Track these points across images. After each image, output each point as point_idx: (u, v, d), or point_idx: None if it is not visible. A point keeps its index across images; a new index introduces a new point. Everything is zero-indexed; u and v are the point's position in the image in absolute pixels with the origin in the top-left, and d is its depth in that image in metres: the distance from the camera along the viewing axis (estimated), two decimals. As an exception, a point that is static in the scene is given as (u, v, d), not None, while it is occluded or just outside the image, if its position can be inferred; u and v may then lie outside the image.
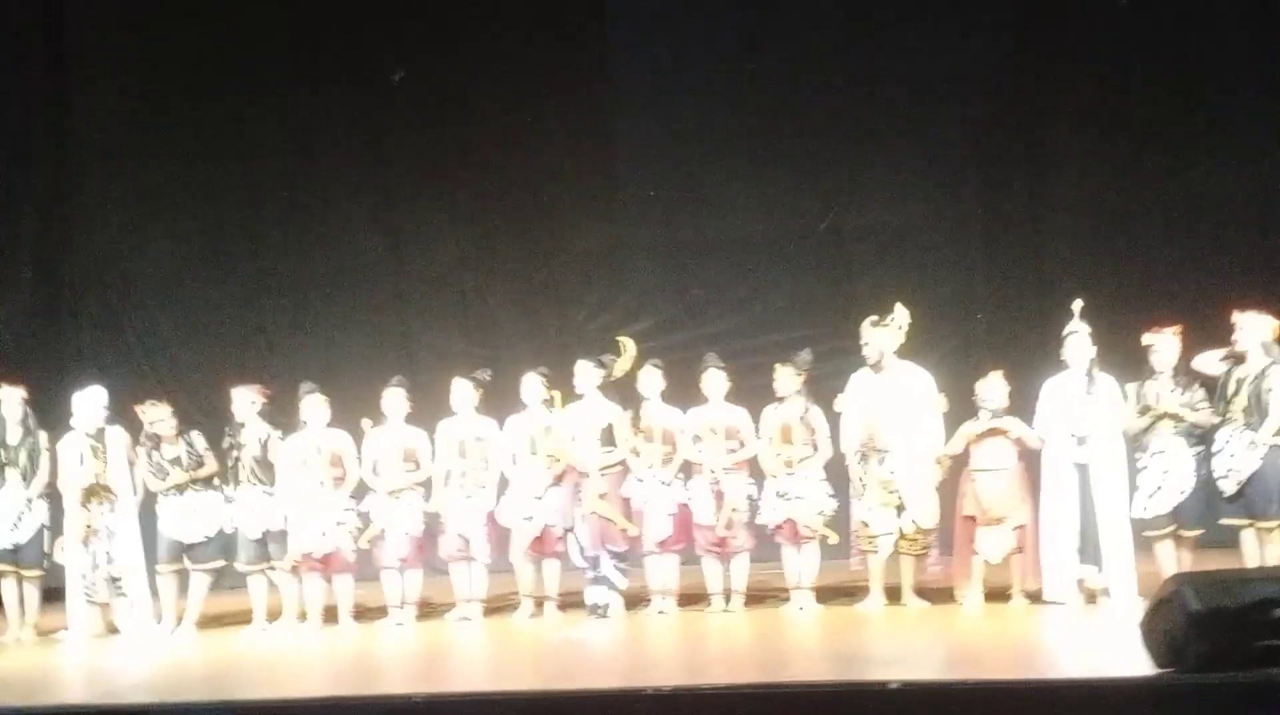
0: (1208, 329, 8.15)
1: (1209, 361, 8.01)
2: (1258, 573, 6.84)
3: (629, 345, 8.96)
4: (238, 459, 8.98)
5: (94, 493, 8.87)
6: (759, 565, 8.82)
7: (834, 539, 8.43)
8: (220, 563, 9.07)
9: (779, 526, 8.49)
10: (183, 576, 9.08)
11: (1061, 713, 5.62)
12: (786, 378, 8.50)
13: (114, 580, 8.93)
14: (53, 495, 9.11)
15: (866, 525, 8.27)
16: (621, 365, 8.87)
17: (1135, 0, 10.33)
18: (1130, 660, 5.98)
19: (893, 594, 8.38)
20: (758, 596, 8.77)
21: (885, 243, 10.85)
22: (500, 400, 8.98)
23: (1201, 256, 9.93)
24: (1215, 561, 7.60)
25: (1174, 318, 8.20)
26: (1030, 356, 8.62)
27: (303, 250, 11.72)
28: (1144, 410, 8.05)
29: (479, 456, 8.81)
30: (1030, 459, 8.20)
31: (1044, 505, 8.09)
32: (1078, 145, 10.76)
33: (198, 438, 9.12)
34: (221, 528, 9.01)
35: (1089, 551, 7.95)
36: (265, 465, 8.94)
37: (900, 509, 8.22)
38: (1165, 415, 7.97)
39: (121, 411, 9.16)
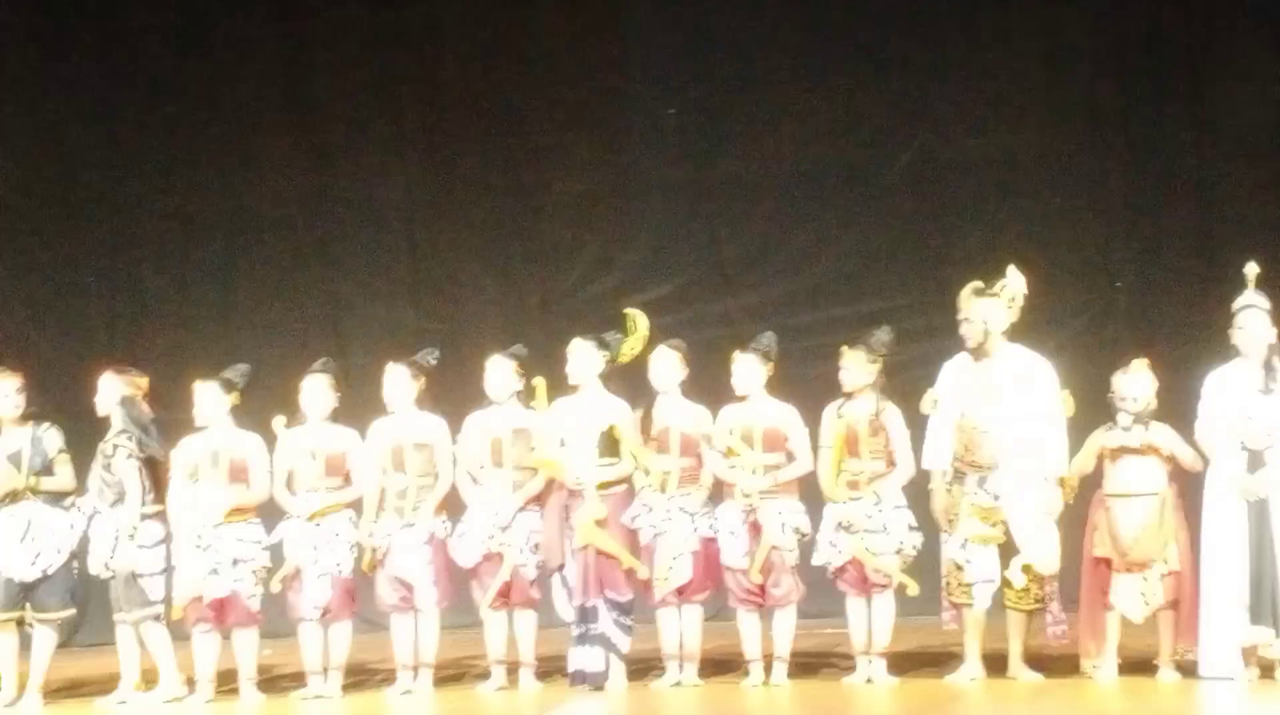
0: None
1: None
2: None
3: (639, 320, 8.90)
4: (106, 468, 8.96)
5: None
6: (812, 621, 8.84)
7: (914, 590, 8.38)
8: (71, 611, 9.06)
9: (841, 570, 8.45)
10: (22, 629, 9.06)
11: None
12: (856, 365, 8.46)
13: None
14: None
15: (960, 569, 8.24)
16: (630, 346, 8.82)
17: None
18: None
19: (996, 663, 8.36)
20: (810, 665, 8.76)
21: (992, 182, 10.84)
22: (458, 392, 8.95)
23: None
24: None
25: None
26: (1189, 341, 8.57)
27: (198, 185, 11.71)
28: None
29: (422, 469, 8.82)
30: (1188, 482, 8.17)
31: (1205, 545, 8.05)
32: (1261, 58, 10.71)
33: (51, 435, 9.11)
34: (72, 561, 8.99)
35: (1264, 610, 7.92)
36: (110, 479, 8.89)
37: (1007, 547, 8.19)
38: None
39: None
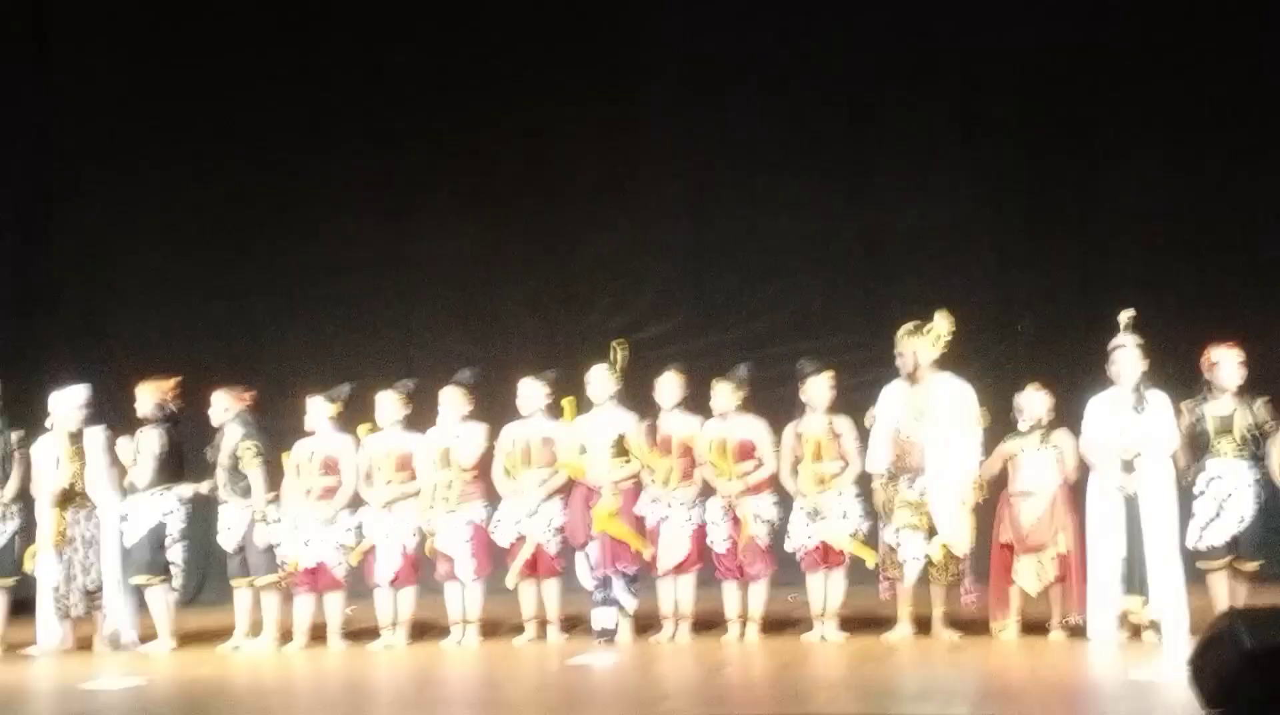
0: (1273, 345, 8.10)
1: None
2: (1319, 610, 6.77)
3: (621, 348, 8.86)
4: (234, 467, 8.96)
5: (70, 498, 8.88)
6: (781, 589, 8.80)
7: (871, 560, 8.36)
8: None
9: (806, 551, 8.43)
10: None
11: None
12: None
13: (90, 593, 8.93)
14: (25, 500, 9.11)
15: (894, 550, 8.23)
16: (618, 364, 8.80)
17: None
18: (1177, 702, 5.95)
19: (922, 624, 8.34)
20: (777, 624, 8.73)
21: (922, 246, 10.79)
22: (500, 407, 8.95)
23: (1273, 265, 9.85)
24: (1274, 596, 7.51)
25: (1236, 333, 8.14)
26: (1075, 371, 8.58)
27: (298, 245, 11.71)
28: (1200, 432, 7.99)
29: (470, 467, 8.81)
30: (1074, 482, 8.18)
31: (1089, 533, 8.04)
32: (1134, 141, 10.68)
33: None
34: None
35: (1136, 583, 7.89)
36: (237, 475, 8.91)
37: (931, 533, 8.17)
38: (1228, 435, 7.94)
39: (102, 411, 9.16)
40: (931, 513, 8.14)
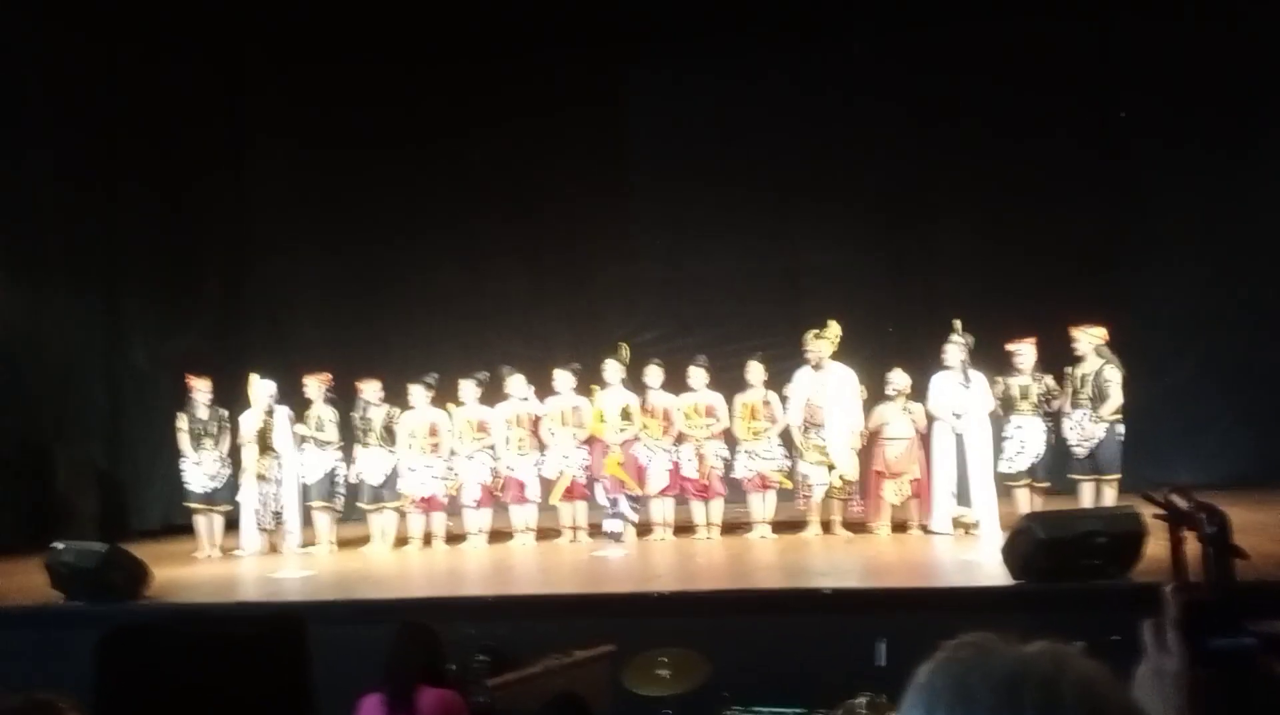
0: (1054, 339, 8.13)
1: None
2: (1087, 512, 6.85)
3: (624, 349, 8.89)
4: (370, 426, 8.96)
5: (264, 451, 8.90)
6: (731, 506, 8.82)
7: (788, 485, 8.40)
8: (328, 502, 9.05)
9: (749, 479, 8.46)
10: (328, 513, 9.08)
11: (945, 611, 5.64)
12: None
13: (277, 514, 8.96)
14: (234, 455, 9.14)
15: (807, 478, 8.26)
16: (623, 358, 8.84)
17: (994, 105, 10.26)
18: (995, 574, 5.99)
19: (826, 526, 8.37)
20: (730, 527, 8.74)
21: (824, 277, 10.73)
22: (544, 387, 8.96)
23: (1048, 286, 9.87)
24: (1057, 505, 7.59)
25: (1030, 331, 8.17)
26: (924, 359, 8.56)
27: (411, 279, 11.68)
28: (1008, 397, 8.04)
29: (527, 427, 8.81)
30: (923, 431, 8.19)
31: (933, 463, 8.08)
32: (958, 204, 10.67)
33: (326, 410, 9.10)
34: (328, 476, 8.98)
35: (965, 497, 7.95)
36: (387, 433, 8.93)
37: (831, 467, 8.20)
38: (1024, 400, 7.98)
39: (284, 396, 9.19)
40: (831, 453, 8.19)
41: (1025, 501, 7.88)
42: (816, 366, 8.32)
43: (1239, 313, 9.85)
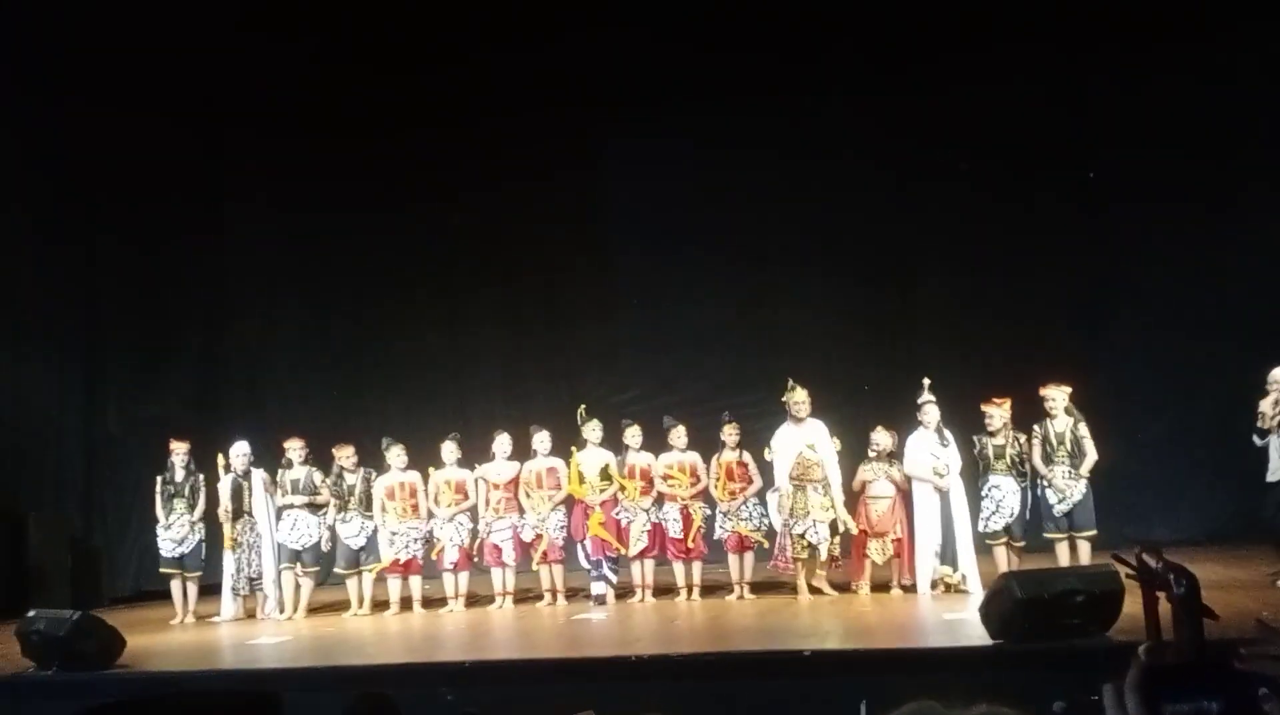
0: (1024, 401, 8.16)
1: None
2: (1064, 571, 6.84)
3: (581, 409, 8.88)
4: (348, 491, 8.90)
5: (239, 516, 8.83)
6: (710, 566, 8.75)
7: (765, 544, 8.33)
8: (315, 568, 8.99)
9: (727, 539, 8.41)
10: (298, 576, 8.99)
11: (925, 670, 5.61)
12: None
13: (253, 580, 8.87)
14: (209, 519, 9.05)
15: (803, 536, 8.06)
16: (582, 419, 8.79)
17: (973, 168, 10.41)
18: (974, 633, 5.98)
19: (810, 586, 8.25)
20: (709, 589, 8.67)
21: (799, 337, 10.77)
22: (523, 447, 8.92)
23: (1019, 350, 9.93)
24: (1034, 562, 7.58)
25: (1002, 393, 8.22)
26: (900, 419, 8.47)
27: (390, 343, 11.68)
28: (983, 456, 8.06)
29: (502, 492, 8.75)
30: (905, 491, 8.15)
31: (916, 524, 8.06)
32: (933, 273, 10.79)
33: (317, 473, 9.05)
34: (320, 541, 8.90)
35: (946, 557, 7.94)
36: (365, 497, 8.88)
37: (837, 521, 8.11)
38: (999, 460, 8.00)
39: (259, 460, 9.12)
40: (838, 508, 8.09)
41: (1003, 560, 7.86)
42: (796, 423, 8.26)
43: (1216, 369, 9.91)
